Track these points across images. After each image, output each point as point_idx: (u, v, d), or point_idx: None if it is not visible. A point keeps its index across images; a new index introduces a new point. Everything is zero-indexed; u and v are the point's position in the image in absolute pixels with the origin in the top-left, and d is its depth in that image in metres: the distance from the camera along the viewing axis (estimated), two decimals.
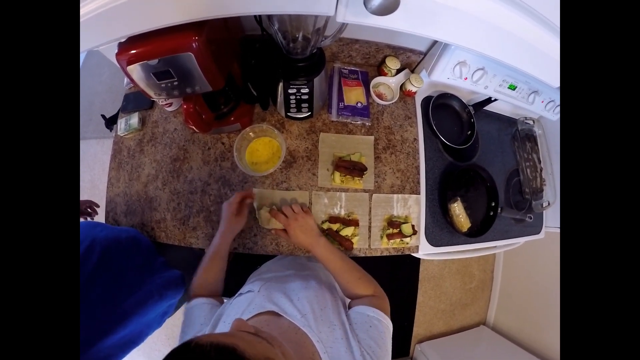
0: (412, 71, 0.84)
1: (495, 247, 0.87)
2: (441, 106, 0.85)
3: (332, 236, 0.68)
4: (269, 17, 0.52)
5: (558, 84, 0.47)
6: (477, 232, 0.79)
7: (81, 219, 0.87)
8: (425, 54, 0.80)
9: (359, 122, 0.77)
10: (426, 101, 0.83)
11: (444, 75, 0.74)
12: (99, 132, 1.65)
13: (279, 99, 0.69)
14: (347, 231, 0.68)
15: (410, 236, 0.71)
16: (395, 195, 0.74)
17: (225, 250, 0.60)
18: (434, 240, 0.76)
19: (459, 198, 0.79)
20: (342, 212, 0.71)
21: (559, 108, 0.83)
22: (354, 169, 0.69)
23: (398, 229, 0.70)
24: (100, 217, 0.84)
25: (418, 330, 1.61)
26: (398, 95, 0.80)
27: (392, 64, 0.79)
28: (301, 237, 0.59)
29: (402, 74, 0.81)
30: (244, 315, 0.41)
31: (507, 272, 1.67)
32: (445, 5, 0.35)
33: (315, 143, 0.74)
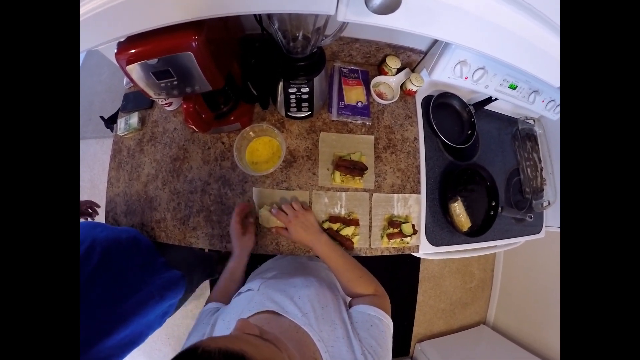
0: (413, 70, 0.83)
1: (495, 246, 0.87)
2: (442, 105, 0.85)
3: (332, 236, 0.67)
4: (269, 16, 0.52)
5: (558, 84, 0.47)
6: (478, 232, 0.79)
7: (82, 220, 0.87)
8: (425, 53, 0.80)
9: (359, 122, 0.76)
10: (427, 100, 0.83)
11: (445, 75, 0.74)
12: (98, 131, 1.65)
13: (279, 99, 0.69)
14: (347, 231, 0.68)
15: (410, 236, 0.71)
16: (395, 195, 0.74)
17: (241, 272, 0.61)
18: (434, 240, 0.76)
19: (459, 197, 0.79)
20: (343, 212, 0.71)
21: (559, 108, 0.83)
22: (354, 168, 0.69)
23: (398, 229, 0.70)
24: (100, 217, 0.84)
25: (418, 329, 1.61)
26: (398, 95, 0.80)
27: (393, 63, 0.79)
28: (302, 234, 0.59)
29: (402, 73, 0.81)
30: (244, 314, 0.41)
31: (507, 271, 1.67)
32: (446, 4, 0.35)
33: (316, 142, 0.74)
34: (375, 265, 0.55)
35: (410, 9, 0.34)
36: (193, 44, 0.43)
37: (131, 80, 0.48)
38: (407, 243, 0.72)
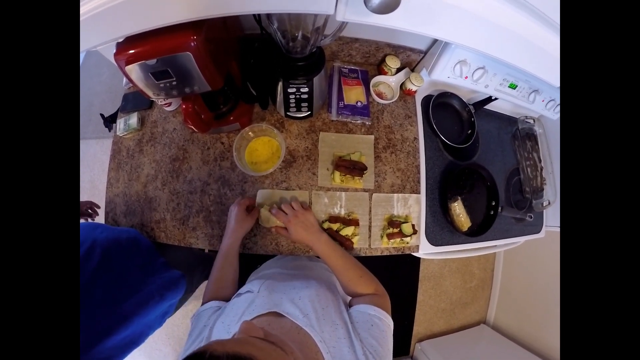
0: (412, 70, 0.83)
1: (495, 246, 0.87)
2: (441, 105, 0.84)
3: (332, 236, 0.67)
4: (268, 15, 0.52)
5: (558, 83, 0.47)
6: (478, 232, 0.79)
7: (82, 220, 0.87)
8: (425, 53, 0.80)
9: (359, 122, 0.76)
10: (426, 100, 0.83)
11: (444, 74, 0.74)
12: (98, 132, 1.65)
13: (278, 99, 0.69)
14: (347, 231, 0.68)
15: (410, 236, 0.71)
16: (395, 195, 0.74)
17: (236, 249, 0.61)
18: (434, 240, 0.76)
19: (459, 197, 0.79)
20: (342, 212, 0.71)
21: (559, 107, 0.82)
22: (354, 168, 0.69)
23: (398, 229, 0.70)
24: (100, 218, 0.84)
25: (418, 329, 1.61)
26: (398, 94, 0.80)
27: (392, 62, 0.79)
28: (302, 233, 0.59)
29: (402, 73, 0.81)
30: (244, 316, 0.41)
31: (507, 270, 1.67)
32: (445, 3, 0.34)
33: (315, 142, 0.74)
34: (375, 264, 0.55)
35: (409, 8, 0.34)
36: (192, 44, 0.43)
37: (130, 80, 0.48)
38: (407, 243, 0.72)
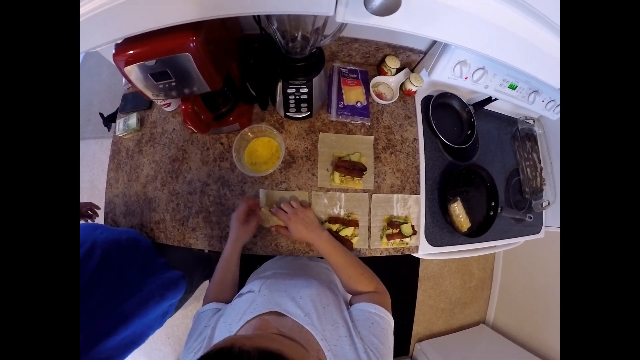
0: (412, 70, 0.83)
1: (495, 246, 0.87)
2: (441, 105, 0.84)
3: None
4: (268, 16, 0.52)
5: (558, 85, 0.47)
6: (477, 232, 0.79)
7: (82, 221, 0.87)
8: (425, 53, 0.79)
9: (358, 122, 0.76)
10: (426, 100, 0.83)
11: (444, 75, 0.74)
12: (97, 132, 1.64)
13: (277, 99, 0.69)
14: (346, 231, 0.68)
15: (410, 236, 0.71)
16: (395, 196, 0.74)
17: (236, 257, 0.61)
18: (433, 240, 0.76)
19: (458, 198, 0.79)
20: (342, 213, 0.71)
21: (559, 108, 0.82)
22: (354, 169, 0.69)
23: (398, 229, 0.70)
24: (99, 218, 0.84)
25: (418, 329, 1.61)
26: (398, 95, 0.80)
27: (392, 63, 0.79)
28: (303, 231, 0.59)
29: (402, 73, 0.81)
30: (246, 316, 0.41)
31: (507, 271, 1.68)
32: (446, 5, 0.34)
33: (315, 143, 0.74)
34: (375, 265, 0.55)
35: (409, 10, 0.33)
36: (191, 45, 0.43)
37: (129, 81, 0.48)
38: (407, 244, 0.72)
